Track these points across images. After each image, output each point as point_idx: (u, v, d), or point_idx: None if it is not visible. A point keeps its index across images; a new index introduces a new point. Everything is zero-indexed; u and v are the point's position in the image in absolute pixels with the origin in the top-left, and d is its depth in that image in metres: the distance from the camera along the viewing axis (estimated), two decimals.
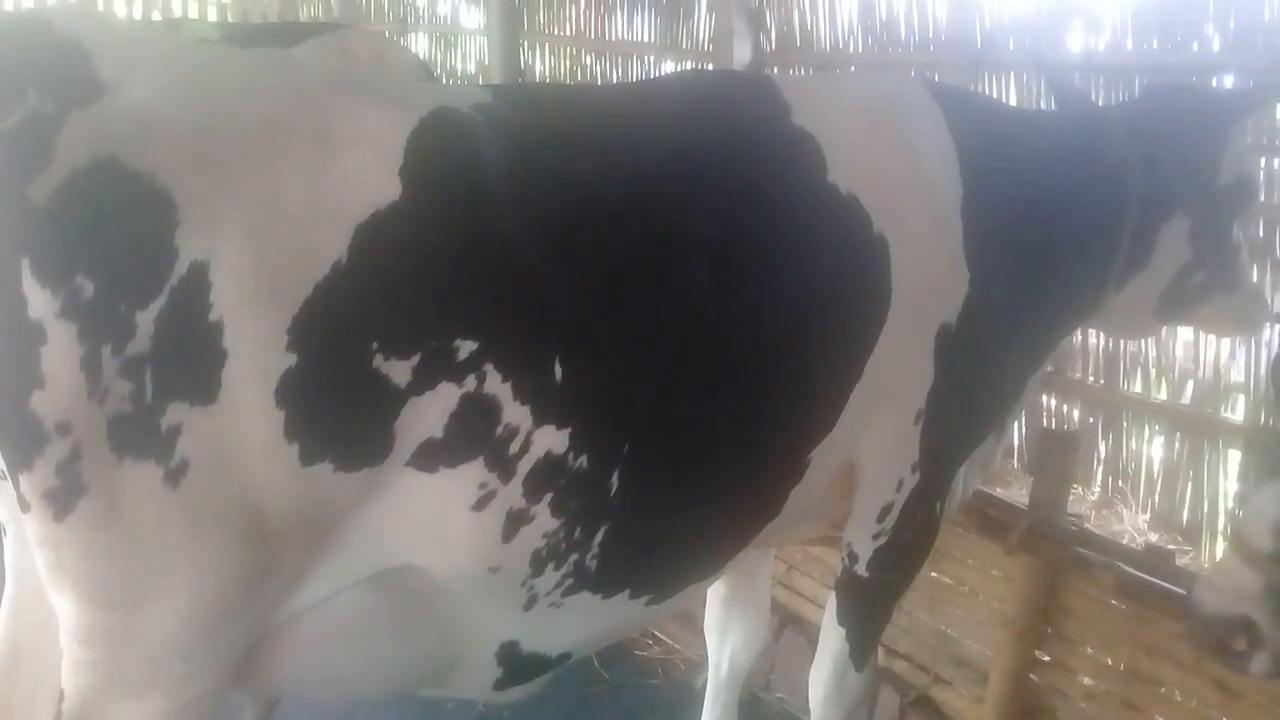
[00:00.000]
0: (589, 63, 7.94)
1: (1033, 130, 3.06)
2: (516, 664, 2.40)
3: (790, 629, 4.57)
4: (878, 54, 5.71)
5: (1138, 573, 3.21)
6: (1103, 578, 3.29)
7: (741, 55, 6.17)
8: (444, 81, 8.50)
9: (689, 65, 6.84)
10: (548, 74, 8.26)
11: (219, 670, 1.99)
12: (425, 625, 2.22)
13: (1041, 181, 2.87)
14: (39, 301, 1.64)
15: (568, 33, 8.06)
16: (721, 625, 3.59)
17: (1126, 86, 4.67)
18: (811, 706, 3.15)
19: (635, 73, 7.48)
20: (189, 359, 1.73)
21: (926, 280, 2.58)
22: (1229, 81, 4.35)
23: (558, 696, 4.08)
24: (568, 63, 8.15)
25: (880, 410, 2.60)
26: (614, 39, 7.60)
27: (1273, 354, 4.21)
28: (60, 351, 1.66)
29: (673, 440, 2.22)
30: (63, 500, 1.74)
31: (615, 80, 7.61)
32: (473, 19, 9.35)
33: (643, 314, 2.16)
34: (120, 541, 1.79)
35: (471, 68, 9.19)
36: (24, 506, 1.78)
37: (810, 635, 4.57)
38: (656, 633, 4.91)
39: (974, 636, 4.01)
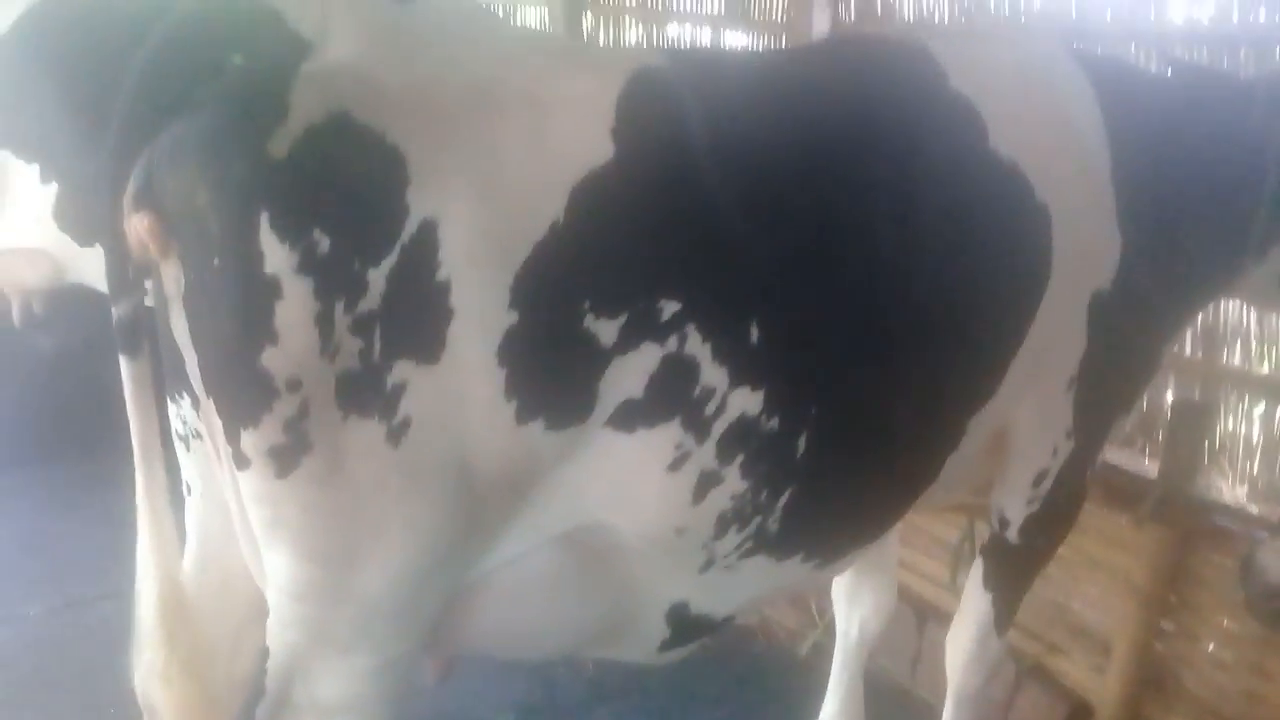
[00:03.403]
0: (654, 34, 7.85)
1: (1173, 96, 3.02)
2: (684, 626, 2.41)
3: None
4: (964, 27, 5.56)
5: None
6: (1240, 546, 3.26)
7: (820, 26, 6.02)
8: None
9: (761, 37, 6.75)
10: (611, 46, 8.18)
11: (421, 628, 2.02)
12: (606, 584, 2.24)
13: (1183, 148, 2.83)
14: (276, 256, 1.65)
15: (631, 4, 7.99)
16: (851, 592, 3.59)
17: (1231, 57, 4.58)
18: (950, 673, 3.16)
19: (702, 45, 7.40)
20: (417, 317, 1.74)
21: (1083, 247, 2.56)
22: None
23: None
24: (632, 34, 8.07)
25: (1034, 377, 2.59)
26: (680, 9, 7.51)
27: None
28: (295, 307, 1.67)
29: (854, 405, 2.22)
30: (287, 457, 1.76)
31: None
32: None
33: (832, 277, 2.15)
34: (340, 499, 1.81)
35: None
36: (241, 464, 1.80)
37: (912, 604, 4.57)
38: None
39: (1092, 605, 3.99)
